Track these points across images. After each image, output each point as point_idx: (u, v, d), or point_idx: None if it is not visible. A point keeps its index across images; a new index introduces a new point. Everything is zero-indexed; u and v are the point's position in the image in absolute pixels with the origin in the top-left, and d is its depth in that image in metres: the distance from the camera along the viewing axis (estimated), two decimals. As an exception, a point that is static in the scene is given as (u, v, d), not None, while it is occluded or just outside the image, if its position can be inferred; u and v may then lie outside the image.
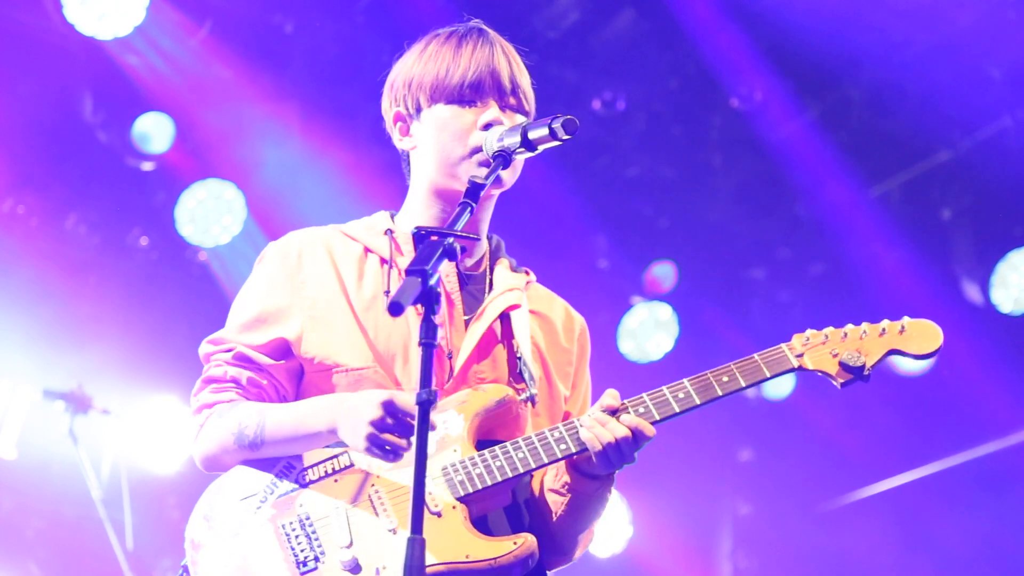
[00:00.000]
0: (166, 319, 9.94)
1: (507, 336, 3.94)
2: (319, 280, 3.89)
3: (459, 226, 3.51)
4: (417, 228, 3.58)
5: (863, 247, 10.29)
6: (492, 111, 3.89)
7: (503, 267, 4.04)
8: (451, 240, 3.34)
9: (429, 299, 3.17)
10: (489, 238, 4.08)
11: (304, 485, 3.70)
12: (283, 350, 3.85)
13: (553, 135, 3.69)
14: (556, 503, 3.86)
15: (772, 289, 10.91)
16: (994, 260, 9.72)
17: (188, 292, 9.98)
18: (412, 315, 3.75)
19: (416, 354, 3.69)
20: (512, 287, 3.99)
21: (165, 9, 8.78)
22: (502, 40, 4.03)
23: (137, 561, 8.20)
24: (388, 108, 4.08)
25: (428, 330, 3.16)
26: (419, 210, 3.99)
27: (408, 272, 3.21)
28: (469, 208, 3.58)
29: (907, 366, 3.82)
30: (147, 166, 9.48)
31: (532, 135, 3.72)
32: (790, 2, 8.89)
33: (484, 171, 3.77)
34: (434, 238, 3.36)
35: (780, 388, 10.94)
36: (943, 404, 10.27)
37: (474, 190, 3.63)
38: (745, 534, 11.54)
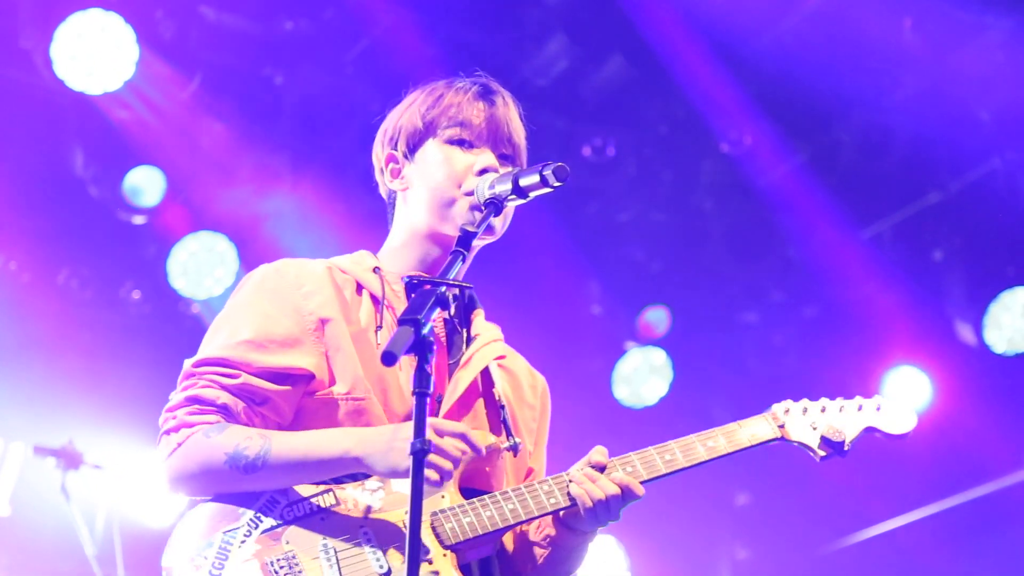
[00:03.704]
0: (158, 372, 9.85)
1: (488, 386, 3.95)
2: (323, 301, 3.83)
3: (452, 275, 3.50)
4: (409, 277, 3.57)
5: (856, 289, 10.30)
6: (488, 156, 3.90)
7: (480, 316, 4.05)
8: (443, 289, 3.33)
9: (422, 348, 3.15)
10: None
11: (290, 521, 3.61)
12: (289, 376, 3.74)
13: (544, 182, 3.69)
14: (538, 555, 3.87)
15: (766, 332, 10.91)
16: (986, 301, 9.73)
17: (181, 345, 9.91)
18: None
19: (398, 391, 3.74)
20: (496, 338, 4.01)
21: (154, 63, 8.80)
22: (506, 92, 4.05)
23: (132, 617, 8.15)
24: (380, 151, 4.08)
25: (421, 379, 3.14)
26: (403, 252, 3.98)
27: (401, 322, 3.19)
28: (462, 256, 3.59)
29: (887, 441, 3.93)
30: (139, 220, 9.48)
31: (523, 182, 3.72)
32: (778, 47, 8.93)
33: (476, 216, 3.78)
34: (427, 287, 3.35)
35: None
36: (939, 446, 10.24)
37: (466, 238, 3.64)
38: (743, 579, 11.49)
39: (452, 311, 3.93)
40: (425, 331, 3.17)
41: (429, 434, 3.39)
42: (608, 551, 10.59)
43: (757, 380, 10.90)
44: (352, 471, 3.61)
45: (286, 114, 9.40)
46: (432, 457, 3.44)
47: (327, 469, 3.61)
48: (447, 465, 3.47)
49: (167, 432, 3.71)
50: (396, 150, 4.02)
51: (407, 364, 3.66)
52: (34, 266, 9.53)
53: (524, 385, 4.12)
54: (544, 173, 3.68)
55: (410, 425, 3.45)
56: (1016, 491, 10.10)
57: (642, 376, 10.82)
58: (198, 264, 9.60)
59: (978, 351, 9.82)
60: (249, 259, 9.60)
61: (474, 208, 3.83)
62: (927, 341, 10.19)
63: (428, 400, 3.14)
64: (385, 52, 8.92)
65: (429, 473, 3.44)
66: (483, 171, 3.88)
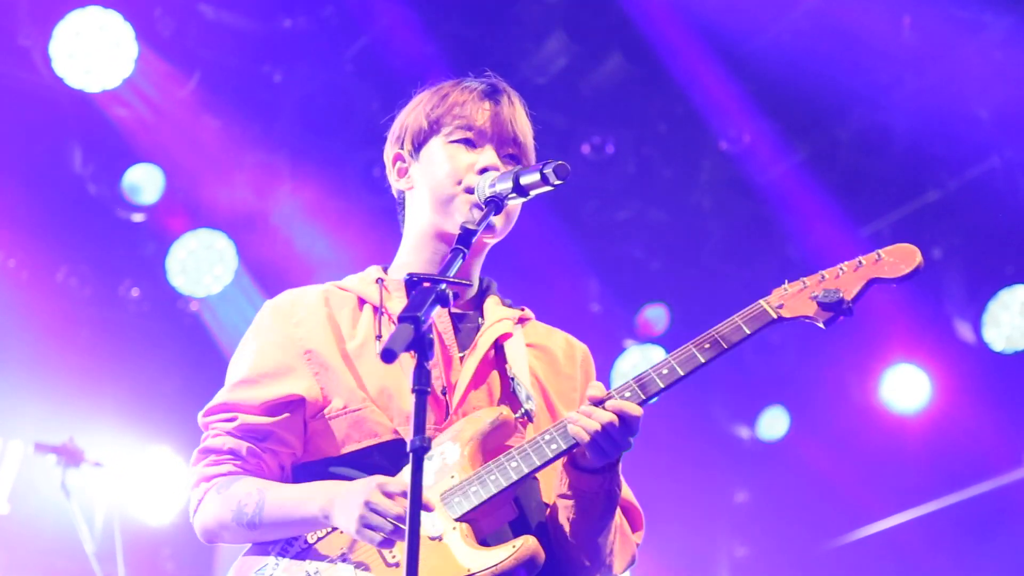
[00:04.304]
0: (158, 370, 9.91)
1: (500, 364, 3.94)
2: (312, 326, 3.89)
3: (451, 272, 3.50)
4: (409, 275, 3.58)
5: (854, 287, 10.29)
6: (490, 155, 3.92)
7: (493, 302, 4.06)
8: (443, 286, 3.32)
9: (422, 345, 3.15)
10: (481, 280, 4.09)
11: (310, 544, 3.73)
12: (284, 405, 3.83)
13: (545, 180, 3.70)
14: (566, 508, 3.81)
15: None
16: (985, 299, 9.73)
17: (180, 342, 9.96)
18: (404, 357, 3.75)
19: (406, 390, 3.74)
20: (502, 318, 4.00)
21: (153, 61, 8.79)
22: (513, 92, 4.08)
23: (131, 614, 8.15)
24: (389, 151, 4.11)
25: (421, 376, 3.13)
26: (412, 255, 4.01)
27: (400, 319, 3.18)
28: (461, 254, 3.58)
29: (896, 276, 3.68)
30: (137, 217, 9.47)
31: (524, 181, 3.73)
32: (777, 45, 8.93)
33: (477, 214, 3.79)
34: (426, 284, 3.35)
35: (775, 429, 10.93)
36: (937, 444, 10.26)
37: (466, 236, 3.63)
38: (742, 577, 11.50)
39: (452, 307, 3.93)
40: (424, 327, 3.16)
41: (374, 496, 3.49)
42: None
43: (756, 378, 10.91)
44: (328, 527, 3.70)
45: (285, 112, 9.40)
46: (375, 518, 3.50)
47: (310, 526, 3.72)
48: (386, 526, 3.49)
49: (193, 488, 3.86)
50: (403, 149, 4.05)
51: (410, 364, 3.70)
52: (33, 264, 9.53)
53: (560, 357, 4.12)
54: (544, 171, 3.69)
55: (359, 483, 3.59)
56: (1015, 489, 10.11)
57: (641, 374, 10.82)
58: (197, 262, 9.60)
59: (977, 349, 9.83)
60: (248, 256, 9.61)
61: (475, 206, 3.84)
62: (926, 339, 10.21)
63: (427, 397, 3.14)
64: (384, 50, 8.92)
65: (372, 536, 3.52)
66: (484, 169, 3.89)
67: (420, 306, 3.22)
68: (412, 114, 4.04)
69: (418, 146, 4.01)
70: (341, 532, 3.67)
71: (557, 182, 3.69)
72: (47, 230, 9.45)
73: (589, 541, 3.84)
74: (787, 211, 10.13)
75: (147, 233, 9.67)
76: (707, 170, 10.18)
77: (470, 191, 3.86)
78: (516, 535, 3.69)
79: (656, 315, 10.86)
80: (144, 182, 9.36)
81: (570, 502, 3.79)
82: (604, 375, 10.70)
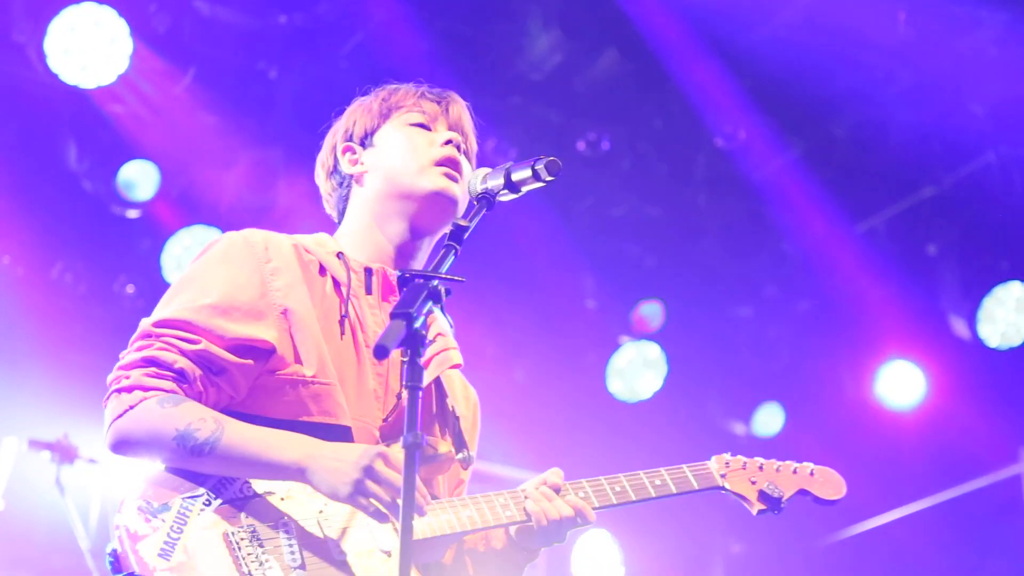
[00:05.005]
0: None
1: (440, 392, 3.95)
2: (290, 282, 3.79)
3: (444, 269, 3.49)
4: (402, 271, 3.57)
5: (850, 283, 10.32)
6: (448, 132, 4.00)
7: (438, 313, 4.01)
8: (436, 283, 3.32)
9: (415, 342, 3.13)
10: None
11: (248, 499, 3.57)
12: (252, 349, 3.66)
13: (536, 177, 3.69)
14: (478, 566, 3.90)
15: (760, 326, 10.92)
16: (980, 295, 9.74)
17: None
18: (363, 346, 3.77)
19: (354, 381, 3.72)
20: (453, 346, 3.98)
21: (148, 57, 8.78)
22: (455, 94, 4.14)
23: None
24: (328, 154, 4.18)
25: (413, 373, 3.11)
26: (361, 236, 4.01)
27: (393, 315, 3.16)
28: (454, 251, 3.57)
29: (815, 503, 4.08)
30: (132, 214, 9.47)
31: (515, 177, 3.72)
32: (773, 41, 8.92)
33: (454, 187, 3.90)
34: (419, 281, 3.34)
35: (770, 425, 10.94)
36: (932, 440, 10.27)
37: (458, 232, 3.63)
38: (738, 572, 11.50)
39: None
40: (417, 324, 3.15)
41: (378, 463, 3.44)
42: (602, 545, 10.61)
43: (751, 374, 10.92)
44: (294, 480, 3.55)
45: (280, 108, 9.39)
46: (376, 487, 3.44)
47: (272, 472, 3.55)
48: (387, 498, 3.44)
49: (119, 391, 3.60)
50: (352, 141, 4.11)
51: (368, 356, 3.73)
52: (28, 260, 9.52)
53: (459, 396, 4.08)
54: (536, 168, 3.69)
55: (353, 446, 3.53)
56: (1009, 485, 10.12)
57: (636, 370, 10.83)
58: (192, 258, 9.58)
59: (972, 345, 9.83)
60: (243, 253, 9.59)
61: (443, 163, 3.92)
62: (921, 335, 10.21)
63: (420, 394, 3.10)
64: (379, 46, 8.91)
65: (379, 496, 3.45)
66: (448, 142, 3.96)
67: (413, 302, 3.20)
68: (359, 111, 4.12)
69: (370, 134, 4.06)
70: (283, 499, 3.56)
71: (549, 178, 3.68)
72: (42, 226, 9.44)
73: None
74: (782, 207, 10.13)
75: (142, 229, 9.66)
76: (702, 166, 10.18)
77: (442, 163, 3.93)
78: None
79: (652, 311, 10.86)
80: (139, 178, 9.35)
81: (489, 566, 3.89)
82: (599, 372, 10.76)
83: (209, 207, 9.58)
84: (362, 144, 4.07)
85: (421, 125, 4.01)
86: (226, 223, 9.58)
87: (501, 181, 3.73)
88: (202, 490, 3.55)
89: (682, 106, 9.58)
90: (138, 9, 8.67)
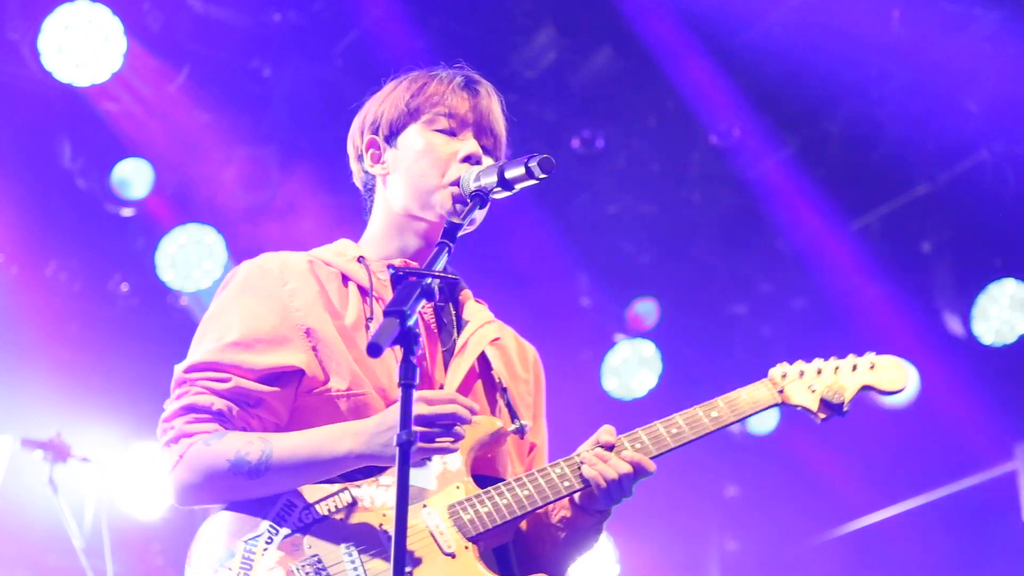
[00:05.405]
0: (147, 365, 9.87)
1: (486, 370, 3.94)
2: (308, 299, 3.81)
3: (438, 266, 3.49)
4: (395, 269, 3.56)
5: (844, 281, 10.32)
6: (472, 144, 3.92)
7: (468, 298, 4.04)
8: (429, 280, 3.32)
9: (408, 340, 3.13)
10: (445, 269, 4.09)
11: (310, 525, 3.60)
12: (282, 375, 3.72)
13: (530, 174, 3.69)
14: (555, 538, 3.88)
15: (754, 324, 10.92)
16: (975, 292, 9.74)
17: (169, 338, 9.92)
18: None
19: (388, 381, 3.73)
20: (487, 320, 3.99)
21: (142, 56, 8.77)
22: (488, 84, 4.06)
23: (120, 609, 8.14)
24: (359, 138, 4.08)
25: (407, 371, 3.11)
26: (384, 239, 4.00)
27: (386, 313, 3.17)
28: (447, 249, 3.57)
29: (881, 400, 3.99)
30: (127, 212, 9.46)
31: (509, 174, 3.72)
32: (767, 39, 8.92)
33: (458, 207, 3.81)
34: (412, 278, 3.34)
35: (764, 424, 10.94)
36: (926, 437, 10.27)
37: (451, 230, 3.64)
38: (733, 570, 11.50)
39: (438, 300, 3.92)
40: (411, 322, 3.15)
41: (420, 408, 3.44)
42: (598, 543, 10.60)
43: (746, 372, 10.87)
44: (356, 467, 3.60)
45: (274, 106, 9.38)
46: (428, 431, 3.46)
47: (332, 467, 3.61)
48: (445, 434, 3.47)
49: (167, 444, 3.70)
50: (377, 135, 4.03)
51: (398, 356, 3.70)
52: (22, 258, 9.50)
53: (515, 359, 4.10)
54: (530, 165, 3.68)
55: (392, 408, 3.52)
56: (1004, 482, 10.12)
57: (631, 368, 10.82)
58: (186, 256, 9.59)
59: (966, 342, 9.84)
60: (237, 251, 9.59)
61: (457, 199, 3.84)
62: (915, 332, 10.20)
63: (413, 392, 3.12)
64: (374, 44, 8.91)
65: (442, 442, 3.48)
66: (467, 158, 3.88)
67: (406, 300, 3.21)
68: (387, 101, 4.02)
69: (395, 132, 3.98)
70: (343, 520, 3.59)
71: (542, 176, 3.67)
72: (36, 225, 9.43)
73: (564, 568, 3.94)
74: (777, 205, 10.14)
75: (136, 227, 9.65)
76: (697, 164, 10.18)
77: (455, 184, 3.85)
78: (516, 558, 3.77)
79: (646, 309, 10.86)
80: (133, 176, 9.34)
81: (561, 533, 3.86)
82: (594, 370, 10.76)
83: (203, 205, 9.57)
84: (387, 140, 4.01)
85: (446, 131, 3.94)
86: (220, 221, 9.59)
87: (495, 179, 3.73)
88: (264, 525, 3.59)
89: (676, 104, 9.58)
90: (132, 7, 8.66)
